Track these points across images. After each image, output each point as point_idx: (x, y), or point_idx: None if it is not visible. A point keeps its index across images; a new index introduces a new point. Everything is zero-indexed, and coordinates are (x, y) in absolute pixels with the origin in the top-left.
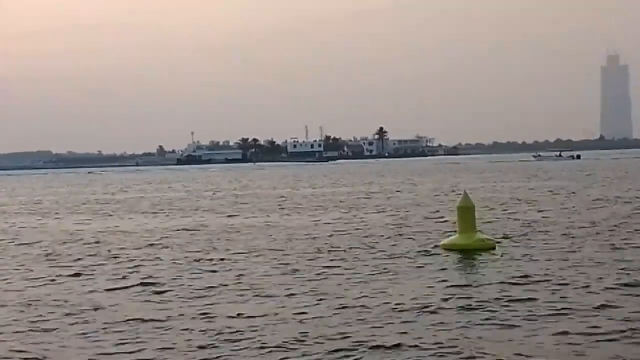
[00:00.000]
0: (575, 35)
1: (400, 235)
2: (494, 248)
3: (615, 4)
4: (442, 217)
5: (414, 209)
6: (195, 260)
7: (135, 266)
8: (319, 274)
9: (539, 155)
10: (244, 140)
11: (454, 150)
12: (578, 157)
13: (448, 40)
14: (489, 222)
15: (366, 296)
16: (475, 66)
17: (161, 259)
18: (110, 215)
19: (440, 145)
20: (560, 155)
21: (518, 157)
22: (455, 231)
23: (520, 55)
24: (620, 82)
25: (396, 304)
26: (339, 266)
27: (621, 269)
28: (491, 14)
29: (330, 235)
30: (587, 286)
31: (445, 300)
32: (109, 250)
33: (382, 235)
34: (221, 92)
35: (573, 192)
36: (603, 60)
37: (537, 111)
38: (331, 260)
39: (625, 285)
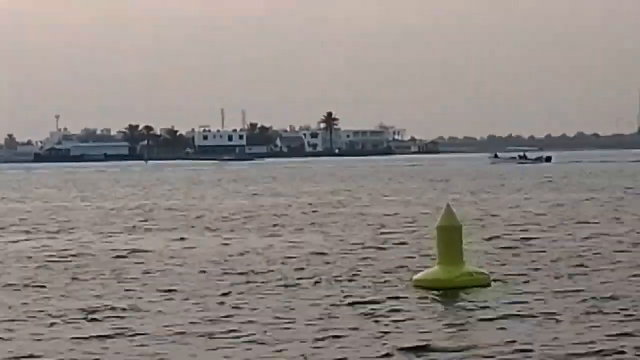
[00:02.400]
0: None
1: (351, 268)
2: (488, 285)
3: None
4: (414, 241)
5: (372, 230)
6: None
7: None
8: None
9: (496, 157)
10: (132, 128)
11: (432, 147)
12: (548, 159)
13: None
14: (479, 248)
15: None
16: (465, 28)
17: None
18: None
19: (412, 140)
20: (524, 156)
21: (478, 159)
22: (433, 261)
23: (530, 13)
24: None
25: None
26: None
27: None
28: None
29: (247, 272)
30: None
31: None
32: None
33: (319, 267)
34: (97, 58)
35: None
36: None
37: (551, 94)
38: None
39: None
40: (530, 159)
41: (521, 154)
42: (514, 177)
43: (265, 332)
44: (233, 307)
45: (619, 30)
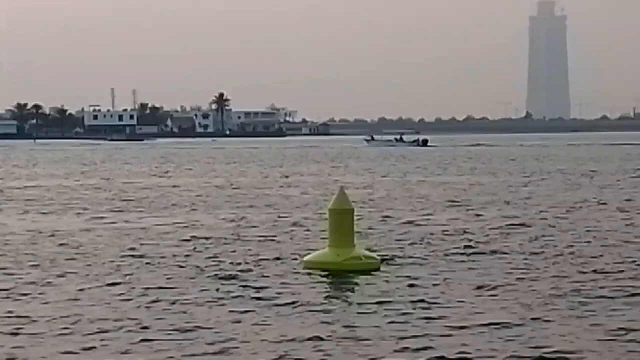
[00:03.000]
0: None
1: (240, 248)
2: (378, 269)
3: None
4: (308, 223)
5: (266, 211)
6: None
7: None
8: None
9: (372, 139)
10: (21, 107)
11: (324, 129)
12: (425, 142)
13: None
14: (373, 231)
15: None
16: (358, 12)
17: None
18: None
19: (304, 121)
20: (401, 139)
21: (351, 141)
22: (325, 244)
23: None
24: (556, 39)
25: None
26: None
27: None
28: None
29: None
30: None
31: None
32: None
33: (213, 248)
34: None
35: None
36: (532, 7)
37: (443, 79)
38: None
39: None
40: (407, 142)
41: (397, 136)
42: (400, 159)
43: (155, 317)
44: (124, 291)
45: (512, 17)
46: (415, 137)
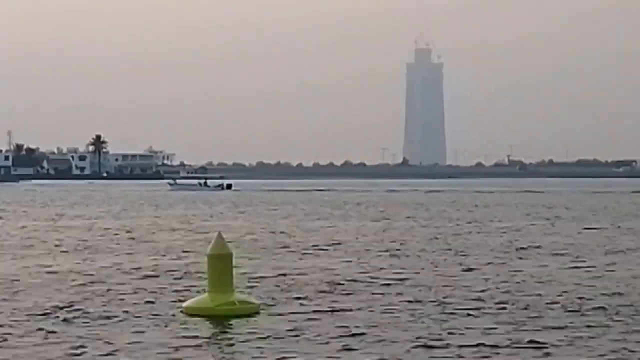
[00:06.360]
0: (371, 18)
1: (125, 293)
2: (257, 313)
3: None
4: (190, 268)
5: (148, 256)
6: None
7: None
8: None
9: (175, 183)
10: None
11: (202, 172)
12: (229, 187)
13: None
14: (254, 275)
15: None
16: (243, 59)
17: None
18: None
19: (182, 164)
20: (205, 184)
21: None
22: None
23: (291, 40)
24: (432, 86)
25: None
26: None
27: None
28: None
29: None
30: None
31: None
32: None
33: (97, 293)
34: None
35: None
36: (410, 54)
37: (322, 123)
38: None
39: None
40: (211, 186)
41: (202, 181)
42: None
43: None
44: None
45: (389, 64)
46: (220, 181)
